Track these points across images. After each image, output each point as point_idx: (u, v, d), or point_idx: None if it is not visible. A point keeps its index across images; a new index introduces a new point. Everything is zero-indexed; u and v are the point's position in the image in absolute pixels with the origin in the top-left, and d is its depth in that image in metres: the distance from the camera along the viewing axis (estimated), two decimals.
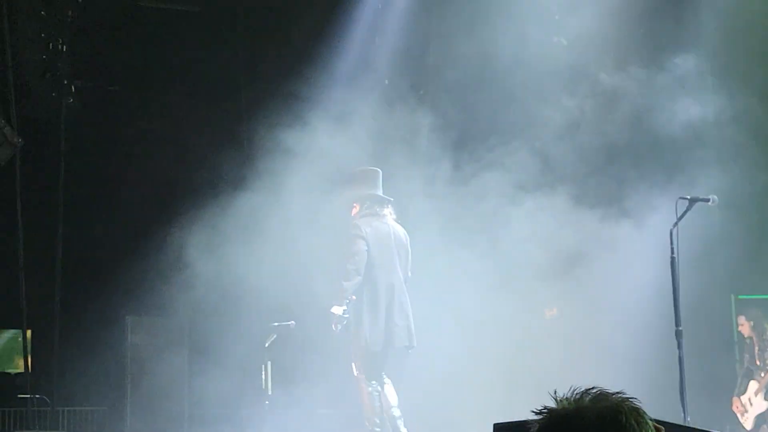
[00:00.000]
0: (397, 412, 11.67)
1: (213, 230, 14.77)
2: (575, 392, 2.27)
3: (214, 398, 14.67)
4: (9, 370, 22.58)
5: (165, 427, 14.80)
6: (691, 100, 12.72)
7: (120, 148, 19.09)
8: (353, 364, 11.79)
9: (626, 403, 2.21)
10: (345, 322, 11.61)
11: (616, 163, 13.40)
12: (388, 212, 12.08)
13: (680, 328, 9.64)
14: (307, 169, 13.14)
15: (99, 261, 18.70)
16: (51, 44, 19.31)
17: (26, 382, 18.37)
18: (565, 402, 2.26)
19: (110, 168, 19.34)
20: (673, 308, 9.63)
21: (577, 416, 2.18)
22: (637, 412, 2.21)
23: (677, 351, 9.59)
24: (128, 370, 16.00)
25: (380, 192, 12.04)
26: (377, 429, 11.59)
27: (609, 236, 12.77)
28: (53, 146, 18.91)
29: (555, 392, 2.30)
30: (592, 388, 2.27)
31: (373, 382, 11.67)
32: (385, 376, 11.72)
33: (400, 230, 12.16)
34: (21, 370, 20.80)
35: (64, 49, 19.28)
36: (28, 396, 17.17)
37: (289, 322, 13.43)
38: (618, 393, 2.25)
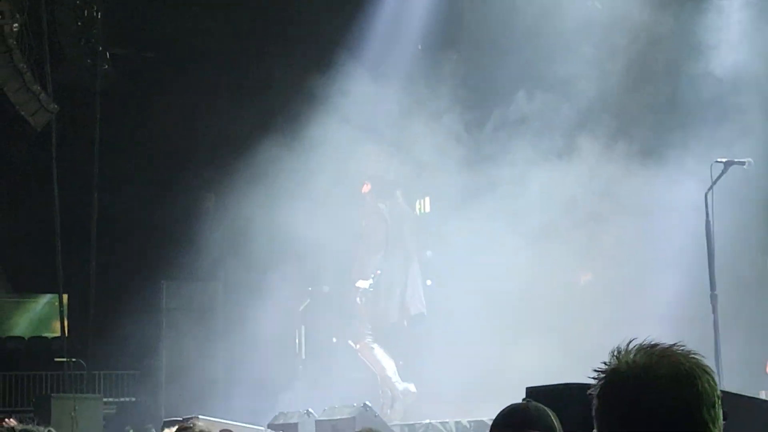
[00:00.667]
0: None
1: (248, 195, 14.79)
2: (634, 347, 2.01)
3: (249, 362, 14.73)
4: (45, 334, 22.85)
5: (200, 391, 14.89)
6: (731, 48, 12.34)
7: (154, 114, 19.14)
8: (353, 341, 11.93)
9: (697, 364, 1.98)
10: (369, 296, 11.78)
11: (651, 121, 13.16)
12: (400, 194, 12.32)
13: (715, 292, 9.57)
14: (339, 128, 13.15)
15: (134, 226, 18.82)
16: (86, 11, 19.38)
17: (62, 346, 18.56)
18: (630, 360, 2.00)
19: (145, 133, 19.41)
20: (708, 272, 9.55)
21: (647, 377, 1.97)
22: (707, 373, 1.99)
23: (712, 315, 9.52)
24: (163, 334, 16.11)
25: (392, 175, 12.23)
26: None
27: (644, 200, 12.62)
28: (88, 112, 18.99)
29: (617, 350, 2.02)
30: (653, 343, 2.02)
31: (375, 343, 11.89)
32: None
33: (411, 211, 12.45)
34: (57, 334, 21.04)
35: (99, 16, 19.34)
36: (65, 360, 17.34)
37: (323, 288, 13.47)
38: (676, 345, 2.01)
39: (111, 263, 18.51)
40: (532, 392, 4.50)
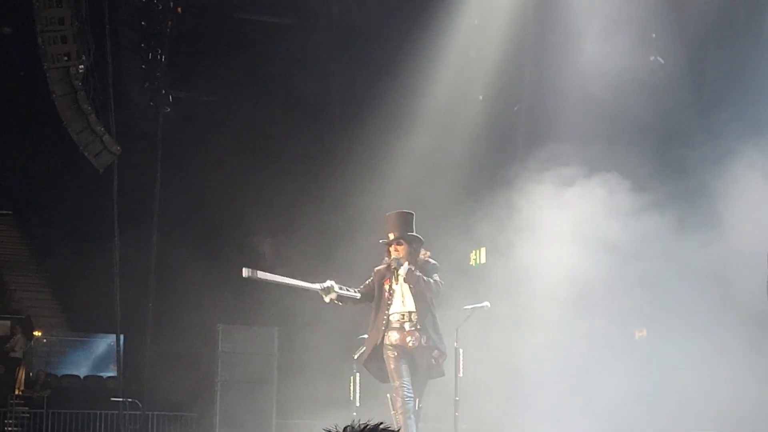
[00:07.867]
0: None
1: (306, 241, 14.90)
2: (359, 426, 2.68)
3: (303, 407, 14.78)
4: (101, 374, 23.04)
5: None
6: None
7: (215, 158, 19.37)
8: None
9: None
10: None
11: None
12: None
13: None
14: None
15: (192, 269, 18.98)
16: (150, 54, 19.70)
17: (118, 386, 18.73)
18: None
19: (205, 177, 19.63)
20: None
21: None
22: None
23: None
24: (218, 377, 16.19)
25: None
26: None
27: (701, 258, 12.45)
28: (150, 154, 19.26)
29: (339, 426, 2.76)
30: (379, 424, 2.69)
31: None
32: None
33: None
34: (113, 374, 21.21)
35: (163, 59, 19.66)
36: (120, 399, 17.47)
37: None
38: (381, 424, 2.68)
39: (168, 305, 18.67)
40: None
